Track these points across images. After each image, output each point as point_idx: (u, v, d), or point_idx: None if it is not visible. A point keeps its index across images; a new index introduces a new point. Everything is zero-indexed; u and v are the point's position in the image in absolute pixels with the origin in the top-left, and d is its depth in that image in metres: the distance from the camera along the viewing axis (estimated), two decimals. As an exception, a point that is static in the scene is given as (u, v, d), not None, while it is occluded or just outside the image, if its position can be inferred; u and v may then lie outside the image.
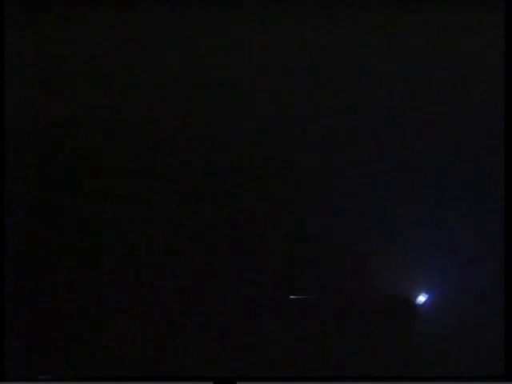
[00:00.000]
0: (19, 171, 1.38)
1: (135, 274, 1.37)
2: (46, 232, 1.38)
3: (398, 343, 1.38)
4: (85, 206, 1.38)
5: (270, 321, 1.38)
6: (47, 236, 1.38)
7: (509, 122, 1.39)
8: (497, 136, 1.39)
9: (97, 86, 1.39)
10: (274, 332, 1.38)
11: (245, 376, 1.37)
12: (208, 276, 1.38)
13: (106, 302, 1.37)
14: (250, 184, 1.38)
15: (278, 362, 1.38)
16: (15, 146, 1.38)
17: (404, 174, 1.39)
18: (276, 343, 1.38)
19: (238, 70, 1.40)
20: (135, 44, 1.39)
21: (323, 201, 1.39)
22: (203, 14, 1.39)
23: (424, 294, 1.38)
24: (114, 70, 1.39)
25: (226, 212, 1.38)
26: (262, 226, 1.38)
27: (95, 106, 1.39)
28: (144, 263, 1.38)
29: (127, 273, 1.37)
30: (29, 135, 1.38)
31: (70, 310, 1.37)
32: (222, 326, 1.38)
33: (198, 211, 1.38)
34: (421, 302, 1.38)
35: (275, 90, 1.39)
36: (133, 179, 1.38)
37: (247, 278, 1.38)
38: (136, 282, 1.37)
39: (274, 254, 1.38)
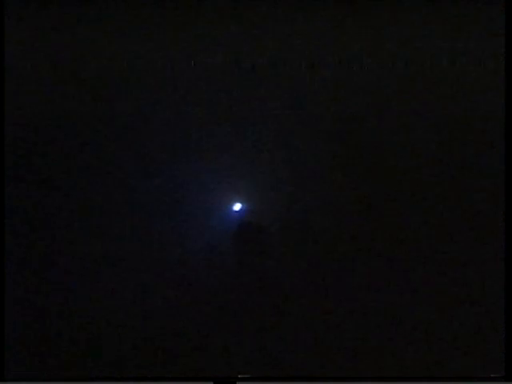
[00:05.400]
0: (19, 172, 1.38)
1: (135, 275, 1.38)
2: (46, 233, 1.38)
3: (398, 343, 1.38)
4: (85, 208, 1.38)
5: (270, 321, 1.38)
6: (47, 237, 1.38)
7: (509, 122, 1.40)
8: (497, 136, 1.40)
9: (97, 85, 1.39)
10: (274, 332, 1.38)
11: (245, 376, 1.37)
12: (208, 275, 1.38)
13: (106, 302, 1.37)
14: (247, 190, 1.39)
15: (278, 361, 1.38)
16: (15, 146, 1.38)
17: (402, 173, 1.39)
18: (276, 343, 1.38)
19: (237, 71, 1.40)
20: (135, 43, 1.39)
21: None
22: (203, 13, 1.40)
23: (423, 294, 1.38)
24: (115, 70, 1.39)
25: (224, 215, 1.39)
26: (257, 223, 1.39)
27: (95, 105, 1.39)
28: (144, 263, 1.38)
29: (127, 273, 1.37)
30: (29, 135, 1.38)
31: (70, 310, 1.37)
32: (222, 326, 1.38)
33: (196, 214, 1.38)
34: (420, 302, 1.38)
35: (275, 91, 1.40)
36: (133, 181, 1.38)
37: (247, 277, 1.38)
38: (135, 283, 1.37)
39: (272, 255, 1.38)
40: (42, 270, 1.37)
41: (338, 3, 1.40)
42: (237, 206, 1.38)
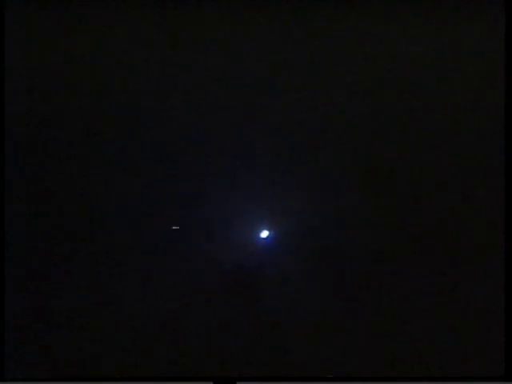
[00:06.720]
0: (19, 171, 1.38)
1: (134, 274, 1.37)
2: (46, 234, 1.38)
3: (398, 343, 1.38)
4: (84, 209, 1.38)
5: (271, 321, 1.38)
6: (47, 239, 1.38)
7: (509, 122, 1.40)
8: (497, 137, 1.40)
9: (96, 84, 1.39)
10: (274, 332, 1.38)
11: (245, 376, 1.37)
12: (208, 275, 1.38)
13: (106, 302, 1.37)
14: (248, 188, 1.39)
15: (278, 362, 1.38)
16: (15, 145, 1.38)
17: (404, 171, 1.39)
18: (276, 343, 1.38)
19: (236, 71, 1.40)
20: (136, 43, 1.39)
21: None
22: (203, 12, 1.40)
23: (423, 294, 1.38)
24: (115, 70, 1.39)
25: (223, 214, 1.39)
26: (249, 224, 1.39)
27: (95, 106, 1.39)
28: (143, 262, 1.38)
29: (126, 272, 1.37)
30: (29, 135, 1.38)
31: (70, 310, 1.37)
32: (222, 325, 1.38)
33: (196, 212, 1.38)
34: (420, 302, 1.38)
35: (275, 92, 1.40)
36: (133, 178, 1.38)
37: (246, 277, 1.38)
38: (135, 282, 1.37)
39: (272, 250, 1.39)
40: (42, 269, 1.37)
41: (338, 3, 1.40)
42: (264, 233, 1.38)
